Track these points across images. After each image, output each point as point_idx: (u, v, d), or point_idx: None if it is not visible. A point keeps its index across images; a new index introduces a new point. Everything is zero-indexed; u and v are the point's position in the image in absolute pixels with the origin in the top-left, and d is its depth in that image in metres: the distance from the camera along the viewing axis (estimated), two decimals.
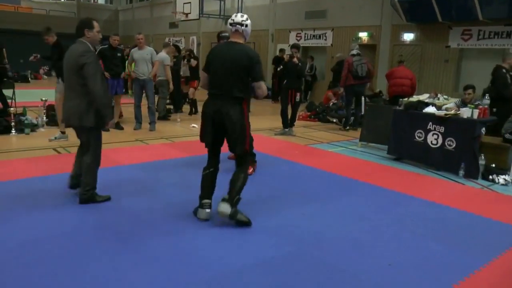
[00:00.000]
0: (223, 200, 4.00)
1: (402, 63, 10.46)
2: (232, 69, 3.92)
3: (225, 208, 3.96)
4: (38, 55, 7.96)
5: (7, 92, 9.78)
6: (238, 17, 4.09)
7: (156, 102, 9.81)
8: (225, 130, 4.01)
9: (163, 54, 10.00)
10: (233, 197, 4.00)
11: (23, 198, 4.58)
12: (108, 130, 4.40)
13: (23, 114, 8.78)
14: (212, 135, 4.06)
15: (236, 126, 3.92)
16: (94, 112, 4.26)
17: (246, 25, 4.08)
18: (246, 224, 4.07)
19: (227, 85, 3.93)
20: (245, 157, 4.16)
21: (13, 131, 7.98)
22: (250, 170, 5.37)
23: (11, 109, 8.42)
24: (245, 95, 3.99)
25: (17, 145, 7.24)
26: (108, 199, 4.57)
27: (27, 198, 4.60)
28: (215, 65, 4.02)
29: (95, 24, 4.39)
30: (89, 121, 4.28)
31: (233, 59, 3.92)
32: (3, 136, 7.78)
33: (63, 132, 7.58)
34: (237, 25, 4.05)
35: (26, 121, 8.29)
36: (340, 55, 13.88)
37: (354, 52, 9.82)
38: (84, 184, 4.46)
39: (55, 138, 7.52)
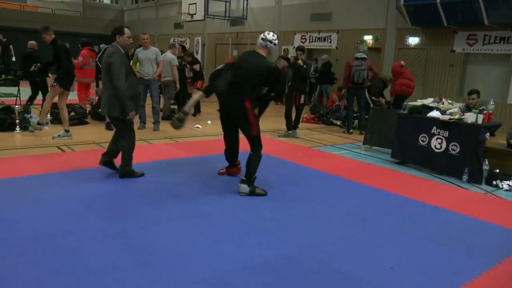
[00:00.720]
0: (242, 181, 5.05)
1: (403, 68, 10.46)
2: (248, 73, 4.94)
3: (244, 188, 5.02)
4: (38, 64, 8.26)
5: (12, 90, 9.84)
6: (270, 36, 5.11)
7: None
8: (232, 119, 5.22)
9: (170, 55, 10.01)
10: (249, 177, 5.02)
11: (28, 194, 4.60)
12: (131, 120, 5.19)
13: (27, 111, 8.80)
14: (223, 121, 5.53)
15: (239, 116, 5.02)
16: (119, 104, 5.09)
17: (275, 44, 5.12)
18: (264, 195, 5.02)
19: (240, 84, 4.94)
20: (254, 141, 5.04)
21: (18, 129, 8.00)
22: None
23: (16, 106, 8.45)
24: (250, 95, 4.95)
25: (21, 142, 7.26)
26: (142, 175, 5.51)
27: (31, 194, 4.62)
28: (237, 68, 5.09)
29: (126, 30, 5.31)
30: (115, 111, 5.18)
31: (252, 67, 4.96)
32: (7, 133, 7.80)
33: (67, 131, 7.61)
34: (268, 42, 5.08)
35: (30, 119, 8.31)
36: (325, 57, 14.00)
37: (358, 55, 9.79)
38: (122, 162, 5.40)
39: (59, 136, 7.54)
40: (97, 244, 3.58)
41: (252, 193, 4.97)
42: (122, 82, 5.02)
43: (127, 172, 5.40)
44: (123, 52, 5.22)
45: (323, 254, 3.65)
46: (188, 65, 11.15)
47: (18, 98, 9.34)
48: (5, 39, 18.85)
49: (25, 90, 9.95)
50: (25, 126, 8.13)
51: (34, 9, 26.69)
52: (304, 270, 3.34)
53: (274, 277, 3.19)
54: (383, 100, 11.27)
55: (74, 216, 4.15)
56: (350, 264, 3.49)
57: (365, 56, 9.80)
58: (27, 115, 8.47)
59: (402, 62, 10.72)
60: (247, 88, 4.94)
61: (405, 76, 10.20)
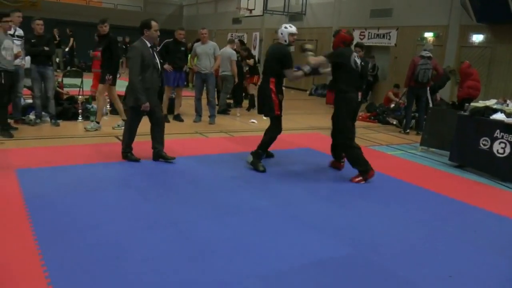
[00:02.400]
0: (251, 152, 5.76)
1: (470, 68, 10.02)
2: (268, 59, 5.81)
3: (249, 157, 5.76)
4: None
5: (76, 81, 10.26)
6: (282, 27, 5.85)
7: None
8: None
9: (229, 49, 10.13)
10: (257, 151, 5.73)
11: (87, 182, 4.80)
12: (143, 112, 5.49)
13: (89, 102, 9.17)
14: None
15: (266, 96, 5.71)
16: (134, 95, 5.41)
17: (281, 33, 5.78)
18: (262, 171, 5.61)
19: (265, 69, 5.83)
20: (274, 121, 5.80)
21: (80, 118, 8.35)
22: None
23: (79, 97, 8.81)
24: (273, 76, 5.69)
25: (83, 132, 7.56)
26: (137, 160, 5.71)
27: (89, 181, 4.81)
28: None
29: (153, 24, 5.49)
30: (130, 101, 5.58)
31: (270, 53, 5.84)
32: (71, 122, 8.16)
33: (124, 120, 7.83)
34: (279, 33, 5.81)
35: (91, 109, 8.65)
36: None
37: (424, 53, 9.48)
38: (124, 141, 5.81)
39: (118, 126, 7.79)
40: (153, 233, 3.68)
41: (252, 164, 5.71)
42: (135, 75, 5.33)
43: (124, 154, 5.76)
44: (148, 45, 5.47)
45: (380, 257, 3.57)
46: (243, 60, 11.25)
47: (81, 89, 9.74)
48: (71, 33, 19.68)
49: (88, 82, 10.37)
50: (87, 115, 8.47)
51: (98, 4, 27.69)
52: (360, 272, 3.29)
53: (329, 278, 3.17)
54: (439, 96, 10.90)
55: (130, 204, 4.29)
56: (407, 269, 3.39)
57: (431, 55, 9.49)
58: (88, 105, 8.83)
59: (467, 62, 10.29)
60: (270, 71, 5.72)
61: (474, 78, 9.78)
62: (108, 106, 9.32)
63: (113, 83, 7.64)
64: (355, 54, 5.64)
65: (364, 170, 5.59)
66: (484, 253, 3.81)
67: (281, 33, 5.77)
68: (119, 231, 3.67)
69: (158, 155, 5.81)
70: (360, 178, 5.61)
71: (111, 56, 7.43)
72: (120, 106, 7.92)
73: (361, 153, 5.64)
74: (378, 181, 5.76)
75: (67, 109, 8.45)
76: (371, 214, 4.54)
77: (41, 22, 7.50)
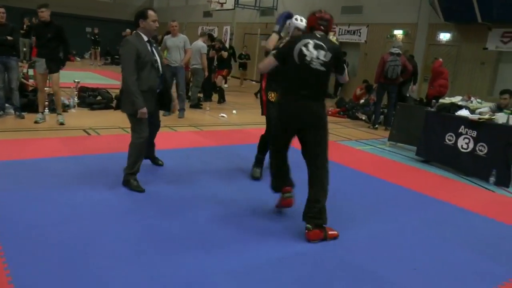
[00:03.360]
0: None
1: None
2: None
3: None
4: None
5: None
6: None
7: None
8: None
9: (200, 43, 10.07)
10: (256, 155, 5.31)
11: (53, 176, 4.68)
12: (141, 119, 4.48)
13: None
14: None
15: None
16: (130, 99, 4.40)
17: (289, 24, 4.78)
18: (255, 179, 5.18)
19: None
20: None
21: (46, 110, 8.10)
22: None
23: (46, 88, 8.56)
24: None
25: (49, 124, 7.36)
26: (142, 191, 4.51)
27: (56, 176, 4.70)
28: None
29: (150, 13, 4.54)
30: (126, 107, 4.50)
31: None
32: (35, 115, 7.92)
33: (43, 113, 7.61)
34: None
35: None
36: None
37: (393, 50, 9.66)
38: (127, 165, 4.61)
39: (39, 119, 7.44)
40: (118, 229, 3.62)
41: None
42: (130, 75, 4.36)
43: (126, 180, 4.59)
44: (145, 39, 4.54)
45: (346, 251, 3.61)
46: (215, 51, 11.26)
47: (49, 81, 9.47)
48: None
49: None
50: (52, 108, 8.21)
51: None
52: (327, 267, 3.31)
53: (296, 273, 3.17)
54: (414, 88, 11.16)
55: (96, 200, 4.20)
56: (372, 263, 3.44)
57: (400, 52, 9.65)
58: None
59: (441, 60, 10.50)
60: None
61: (445, 77, 10.03)
62: (76, 99, 9.12)
63: (54, 70, 7.19)
64: (310, 42, 3.68)
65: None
66: (448, 246, 3.90)
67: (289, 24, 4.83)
68: (86, 225, 3.59)
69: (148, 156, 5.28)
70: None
71: (59, 46, 7.15)
72: (59, 100, 7.58)
73: (274, 166, 4.17)
74: (347, 176, 5.82)
75: (32, 101, 8.20)
76: (338, 209, 4.54)
77: (2, 10, 7.18)
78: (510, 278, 3.40)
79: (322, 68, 3.65)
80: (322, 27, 3.81)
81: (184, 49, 8.74)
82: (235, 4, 17.75)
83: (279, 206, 4.25)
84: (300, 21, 4.78)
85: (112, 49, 22.14)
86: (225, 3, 18.02)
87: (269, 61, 3.87)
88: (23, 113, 7.67)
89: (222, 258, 3.27)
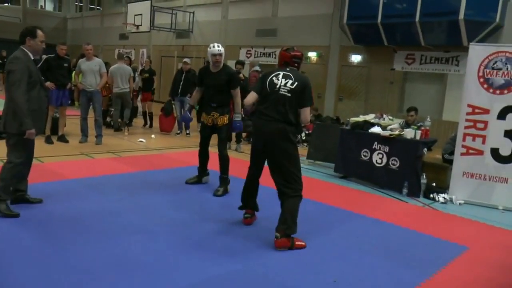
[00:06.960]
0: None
1: None
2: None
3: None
4: None
5: None
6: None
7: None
8: None
9: (126, 66, 10.10)
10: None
11: None
12: (28, 140, 4.34)
13: None
14: None
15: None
16: (18, 119, 4.23)
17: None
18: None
19: None
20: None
21: None
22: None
23: None
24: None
25: None
26: (16, 216, 4.31)
27: None
28: None
29: (39, 33, 4.42)
30: (12, 127, 4.30)
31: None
32: None
33: None
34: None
35: None
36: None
37: (256, 68, 9.80)
38: None
39: None
40: (36, 265, 3.42)
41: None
42: (21, 94, 4.18)
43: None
44: (31, 58, 4.39)
45: (267, 269, 3.66)
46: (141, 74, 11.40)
47: None
48: None
49: None
50: None
51: None
52: (249, 285, 3.33)
53: None
54: None
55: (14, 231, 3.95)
56: (294, 278, 3.52)
57: (260, 70, 9.69)
58: None
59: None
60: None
61: None
62: None
63: None
64: (280, 73, 4.26)
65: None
66: (365, 256, 4.08)
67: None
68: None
69: (21, 199, 4.68)
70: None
71: None
72: None
73: (245, 187, 4.87)
74: (265, 194, 5.86)
75: None
76: (257, 228, 4.61)
77: None
78: (421, 282, 3.63)
79: (288, 94, 4.14)
80: (296, 64, 4.36)
81: (99, 73, 8.50)
82: (150, 26, 17.60)
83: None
84: (213, 47, 5.61)
85: None
86: (141, 25, 17.82)
87: (252, 96, 4.39)
88: None
89: (137, 284, 3.18)
